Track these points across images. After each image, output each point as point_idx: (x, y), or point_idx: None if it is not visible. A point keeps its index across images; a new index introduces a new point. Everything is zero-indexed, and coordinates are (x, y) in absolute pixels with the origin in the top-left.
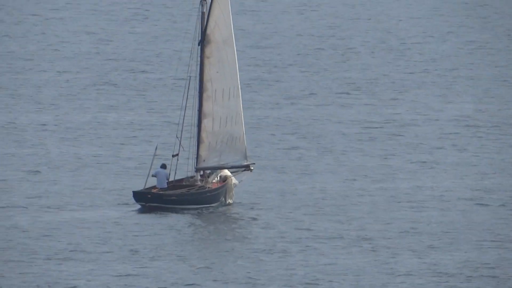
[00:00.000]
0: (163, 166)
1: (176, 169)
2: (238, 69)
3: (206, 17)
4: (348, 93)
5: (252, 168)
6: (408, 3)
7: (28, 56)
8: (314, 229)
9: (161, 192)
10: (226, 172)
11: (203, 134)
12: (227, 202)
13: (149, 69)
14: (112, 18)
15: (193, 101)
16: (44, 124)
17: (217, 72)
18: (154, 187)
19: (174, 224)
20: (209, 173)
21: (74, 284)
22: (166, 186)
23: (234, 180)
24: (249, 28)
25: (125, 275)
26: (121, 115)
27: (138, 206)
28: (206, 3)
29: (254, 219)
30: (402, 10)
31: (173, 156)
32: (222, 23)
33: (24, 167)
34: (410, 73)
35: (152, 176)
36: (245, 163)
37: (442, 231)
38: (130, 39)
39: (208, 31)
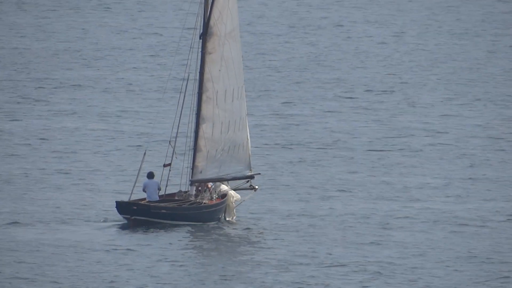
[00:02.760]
0: (151, 175)
1: (167, 182)
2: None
3: (209, 6)
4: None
5: (256, 186)
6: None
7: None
8: (320, 254)
9: (149, 204)
10: (225, 187)
11: (201, 142)
12: (227, 219)
13: (140, 67)
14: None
15: (191, 103)
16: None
17: (220, 70)
18: (142, 199)
19: (164, 244)
20: (205, 189)
21: None
22: (158, 198)
23: (235, 196)
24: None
25: None
26: (106, 120)
27: (122, 220)
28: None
29: (255, 241)
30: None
31: (164, 166)
32: (227, 13)
33: (8, 181)
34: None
35: (143, 190)
36: (248, 174)
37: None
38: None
39: (212, 22)
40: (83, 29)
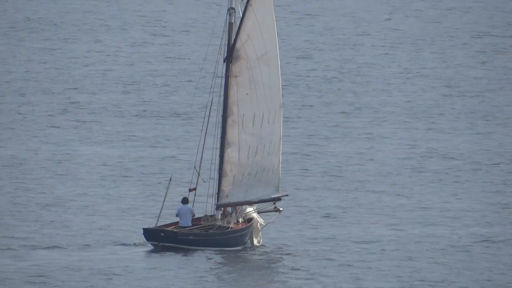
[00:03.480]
0: (185, 201)
1: (193, 206)
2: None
3: (235, 28)
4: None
5: (281, 209)
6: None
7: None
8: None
9: (175, 230)
10: (251, 212)
11: (227, 166)
12: (254, 244)
13: (163, 91)
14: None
15: (215, 128)
16: (46, 158)
17: (247, 94)
18: (167, 225)
19: (191, 270)
20: (230, 212)
21: None
22: (190, 224)
23: (260, 221)
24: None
25: None
26: (129, 146)
27: (150, 246)
28: (235, 12)
29: (281, 266)
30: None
31: (190, 190)
32: (257, 36)
33: (29, 204)
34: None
35: (176, 215)
36: (275, 196)
37: None
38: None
39: (238, 45)
40: (101, 52)
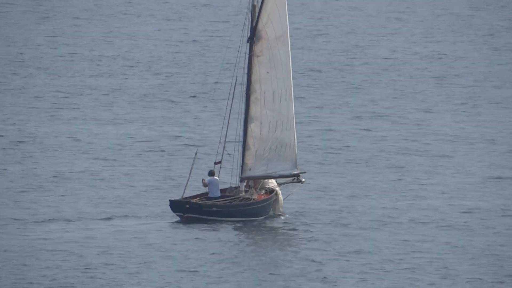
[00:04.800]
0: (212, 173)
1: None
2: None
3: (257, 10)
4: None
5: (303, 179)
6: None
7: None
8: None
9: (200, 202)
10: (273, 183)
11: (250, 140)
12: (276, 213)
13: (187, 72)
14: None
15: (239, 104)
16: (75, 138)
17: (268, 72)
18: (193, 196)
19: (216, 239)
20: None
21: None
22: (219, 194)
23: (280, 195)
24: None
25: None
26: (155, 125)
27: (176, 217)
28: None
29: (302, 236)
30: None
31: (215, 163)
32: (276, 18)
33: (57, 179)
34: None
35: (204, 186)
36: (295, 172)
37: None
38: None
39: (260, 26)
40: (131, 37)
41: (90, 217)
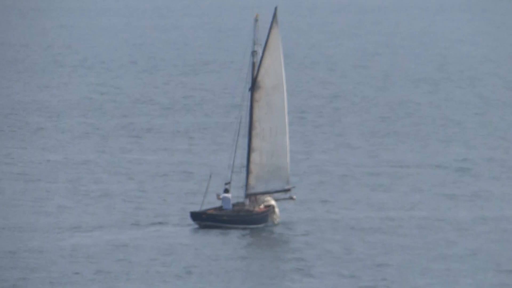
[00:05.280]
0: (226, 191)
1: (224, 197)
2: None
3: (257, 66)
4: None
5: (294, 197)
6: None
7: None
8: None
9: (214, 213)
10: (271, 201)
11: (252, 166)
12: (273, 223)
13: (200, 114)
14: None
15: (243, 139)
16: (95, 163)
17: (265, 113)
18: (208, 209)
19: (225, 242)
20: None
21: None
22: (231, 207)
23: (276, 208)
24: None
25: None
26: (177, 154)
27: (193, 225)
28: (257, 53)
29: (295, 240)
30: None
31: (225, 184)
32: (272, 71)
33: (82, 190)
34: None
35: (218, 199)
36: (287, 187)
37: None
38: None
39: (259, 78)
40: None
41: (122, 224)
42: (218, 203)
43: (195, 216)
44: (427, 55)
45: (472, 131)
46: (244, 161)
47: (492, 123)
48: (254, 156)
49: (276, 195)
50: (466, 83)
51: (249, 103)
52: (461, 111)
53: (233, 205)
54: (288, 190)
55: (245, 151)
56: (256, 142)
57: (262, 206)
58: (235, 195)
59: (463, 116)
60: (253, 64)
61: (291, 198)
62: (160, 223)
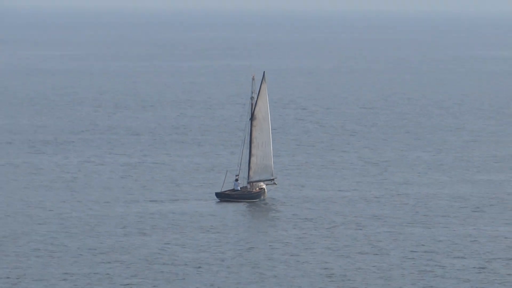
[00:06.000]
0: (237, 180)
1: (236, 183)
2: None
3: (254, 106)
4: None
5: (276, 183)
6: None
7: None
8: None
9: (229, 193)
10: (263, 185)
11: (251, 165)
12: (264, 199)
13: (221, 134)
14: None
15: (246, 149)
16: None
17: (259, 133)
18: (225, 190)
19: (236, 210)
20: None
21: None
22: (239, 189)
23: (266, 189)
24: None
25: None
26: (201, 156)
27: (217, 200)
28: (254, 98)
29: (283, 213)
30: None
31: (236, 176)
32: (263, 109)
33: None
34: None
35: (234, 185)
36: (271, 178)
37: None
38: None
39: (255, 113)
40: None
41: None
42: (230, 187)
43: (218, 194)
44: None
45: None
46: (247, 162)
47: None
48: (253, 159)
49: (265, 182)
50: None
51: (249, 128)
52: None
53: (240, 188)
54: (272, 179)
55: (247, 156)
56: (254, 151)
57: (257, 189)
58: (242, 182)
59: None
60: (251, 104)
61: (274, 183)
62: (196, 199)
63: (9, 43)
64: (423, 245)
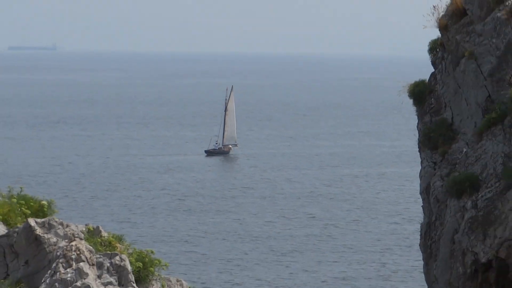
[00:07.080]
0: (217, 143)
1: (216, 145)
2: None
3: (227, 101)
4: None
5: (237, 145)
6: None
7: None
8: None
9: (212, 150)
10: (230, 146)
11: (225, 135)
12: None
13: (208, 124)
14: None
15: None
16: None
17: (229, 118)
18: (211, 149)
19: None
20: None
21: None
22: (217, 149)
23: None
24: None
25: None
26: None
27: (205, 154)
28: (227, 96)
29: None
30: None
31: (216, 142)
32: (231, 103)
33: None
34: None
35: (215, 146)
36: (235, 143)
37: None
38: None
39: (228, 106)
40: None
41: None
42: (213, 147)
43: (206, 151)
44: None
45: None
46: (222, 134)
47: None
48: (226, 133)
49: (231, 144)
50: None
51: (224, 115)
52: None
53: (218, 148)
54: (236, 144)
55: (222, 131)
56: (228, 132)
57: (228, 148)
58: (219, 144)
59: None
60: (225, 100)
61: (236, 145)
62: (186, 154)
63: None
64: None
